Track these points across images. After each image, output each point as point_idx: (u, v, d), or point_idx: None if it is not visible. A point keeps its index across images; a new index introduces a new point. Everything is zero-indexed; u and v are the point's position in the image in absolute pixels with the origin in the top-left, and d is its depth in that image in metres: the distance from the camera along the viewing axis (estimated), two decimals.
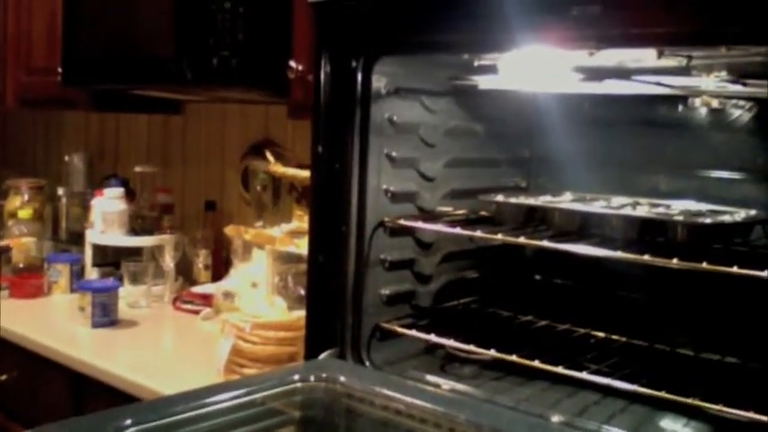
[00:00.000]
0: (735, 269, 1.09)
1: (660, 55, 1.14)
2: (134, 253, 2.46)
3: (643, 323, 1.51)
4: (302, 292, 1.80)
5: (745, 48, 1.12)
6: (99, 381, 1.81)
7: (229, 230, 2.21)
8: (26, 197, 2.93)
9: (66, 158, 3.09)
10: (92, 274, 2.46)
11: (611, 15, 1.07)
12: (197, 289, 2.40)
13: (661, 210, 1.37)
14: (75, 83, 2.36)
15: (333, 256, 1.39)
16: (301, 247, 1.82)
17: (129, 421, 1.05)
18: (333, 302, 1.40)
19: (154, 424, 1.06)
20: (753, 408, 1.08)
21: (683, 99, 1.48)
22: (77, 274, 2.48)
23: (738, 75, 1.28)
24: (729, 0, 0.99)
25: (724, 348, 1.41)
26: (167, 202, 2.72)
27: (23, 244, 2.67)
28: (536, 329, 1.58)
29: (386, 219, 1.42)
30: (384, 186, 1.42)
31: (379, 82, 1.37)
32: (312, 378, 1.25)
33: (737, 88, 1.31)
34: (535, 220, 1.43)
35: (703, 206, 1.41)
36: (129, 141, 3.12)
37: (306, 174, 1.81)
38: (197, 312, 2.24)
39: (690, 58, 1.19)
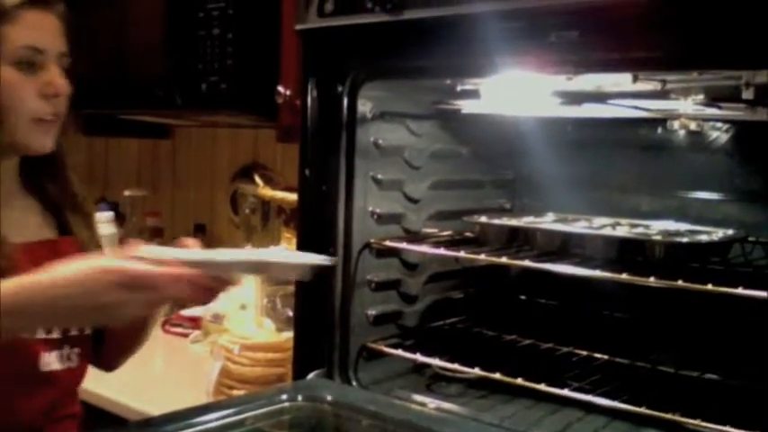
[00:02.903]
0: (709, 287, 1.12)
1: (635, 79, 1.17)
2: None
3: (625, 341, 1.53)
4: (290, 313, 1.81)
5: (717, 72, 1.16)
6: (87, 403, 1.81)
7: None
8: None
9: None
10: None
11: (588, 41, 1.11)
12: (186, 312, 2.40)
13: (640, 230, 1.39)
14: None
15: (320, 277, 1.41)
16: None
17: None
18: (320, 323, 1.42)
19: None
20: (730, 423, 1.10)
21: (662, 122, 1.51)
22: None
23: (713, 98, 1.32)
24: (700, 27, 1.03)
25: (703, 365, 1.43)
26: (157, 226, 2.73)
27: None
28: (520, 348, 1.60)
29: (372, 240, 1.44)
30: (370, 208, 1.45)
31: (364, 106, 1.40)
32: (300, 398, 1.26)
33: (713, 111, 1.35)
34: (518, 240, 1.45)
35: (682, 226, 1.44)
36: (118, 165, 3.14)
37: (294, 197, 1.83)
38: (186, 335, 2.24)
39: (664, 82, 1.22)
